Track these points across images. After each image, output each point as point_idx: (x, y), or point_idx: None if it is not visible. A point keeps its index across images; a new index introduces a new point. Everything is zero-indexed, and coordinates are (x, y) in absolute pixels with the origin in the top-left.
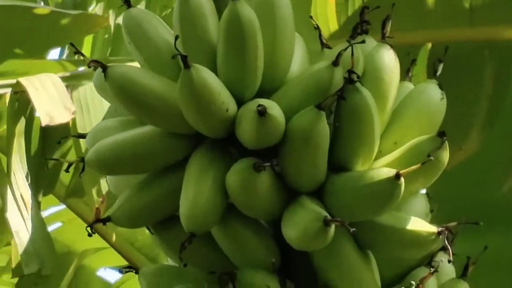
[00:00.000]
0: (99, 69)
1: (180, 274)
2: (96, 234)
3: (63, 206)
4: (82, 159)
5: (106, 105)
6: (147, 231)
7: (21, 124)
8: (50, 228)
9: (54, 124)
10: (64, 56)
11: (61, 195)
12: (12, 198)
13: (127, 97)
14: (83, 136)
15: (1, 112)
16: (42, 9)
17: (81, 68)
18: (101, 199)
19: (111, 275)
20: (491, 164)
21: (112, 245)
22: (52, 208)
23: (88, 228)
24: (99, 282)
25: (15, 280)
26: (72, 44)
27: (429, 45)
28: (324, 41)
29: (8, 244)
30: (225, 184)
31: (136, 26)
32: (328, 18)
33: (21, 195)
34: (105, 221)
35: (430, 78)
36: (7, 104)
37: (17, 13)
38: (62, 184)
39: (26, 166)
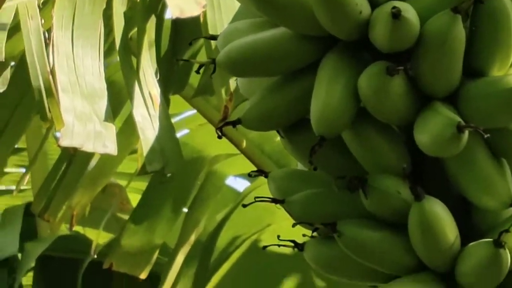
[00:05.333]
0: None
1: (310, 178)
2: (226, 140)
3: (194, 111)
4: (213, 60)
5: (237, 4)
6: (277, 137)
7: (152, 21)
8: (181, 133)
9: (184, 16)
10: None
11: (191, 98)
12: (140, 95)
13: None
14: (214, 37)
15: (133, 14)
16: None
17: None
18: (229, 98)
19: (241, 185)
20: None
21: (242, 151)
22: (184, 113)
23: (218, 131)
24: (229, 190)
25: None
26: None
27: None
28: None
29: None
30: (357, 87)
31: None
32: None
33: (149, 93)
34: (235, 123)
35: None
36: (138, 0)
37: None
38: (192, 87)
39: (155, 64)
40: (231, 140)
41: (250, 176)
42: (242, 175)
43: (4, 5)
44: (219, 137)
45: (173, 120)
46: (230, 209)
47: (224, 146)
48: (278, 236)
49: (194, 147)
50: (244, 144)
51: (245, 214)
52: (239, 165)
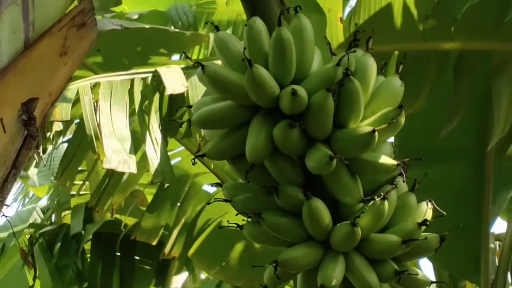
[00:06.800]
0: (200, 67)
1: (245, 187)
2: (201, 164)
3: (183, 148)
4: (189, 120)
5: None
6: None
7: (157, 96)
8: (176, 160)
9: (175, 93)
10: (182, 58)
11: (180, 139)
12: (150, 139)
13: (215, 83)
14: (190, 106)
15: (146, 91)
16: (172, 30)
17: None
18: (201, 139)
19: (211, 189)
20: (430, 126)
21: (211, 171)
22: (178, 149)
23: (192, 159)
24: (204, 193)
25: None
26: (184, 52)
27: (396, 52)
28: (333, 51)
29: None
30: (273, 135)
31: (221, 42)
32: (338, 36)
33: (155, 137)
34: (202, 156)
35: (395, 73)
36: (149, 83)
37: (158, 31)
38: (181, 133)
39: (159, 121)
40: (204, 163)
41: (212, 186)
42: (211, 184)
43: (69, 87)
44: (193, 164)
45: (171, 153)
46: (204, 204)
47: (200, 167)
48: (228, 221)
49: (183, 168)
50: (212, 166)
51: (213, 206)
52: (210, 178)
